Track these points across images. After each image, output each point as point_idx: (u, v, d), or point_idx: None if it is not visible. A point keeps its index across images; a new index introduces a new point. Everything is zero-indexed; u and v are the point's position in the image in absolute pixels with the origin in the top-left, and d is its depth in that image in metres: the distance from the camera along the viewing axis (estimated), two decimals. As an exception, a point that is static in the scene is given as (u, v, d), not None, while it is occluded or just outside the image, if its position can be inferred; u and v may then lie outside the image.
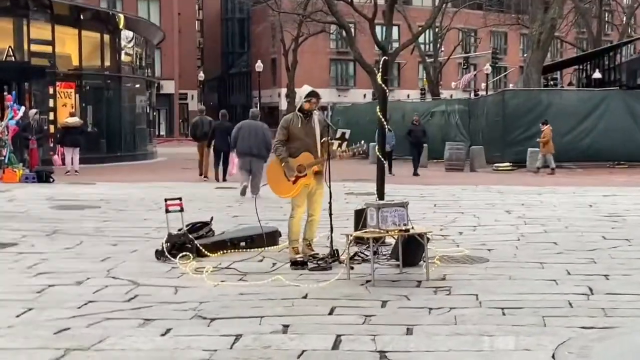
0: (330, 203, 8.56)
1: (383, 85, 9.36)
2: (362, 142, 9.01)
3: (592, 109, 28.64)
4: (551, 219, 12.54)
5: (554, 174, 24.81)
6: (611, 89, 33.06)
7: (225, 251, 9.26)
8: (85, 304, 6.76)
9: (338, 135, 8.04)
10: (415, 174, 24.26)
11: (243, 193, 16.04)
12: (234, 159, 18.53)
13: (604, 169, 27.12)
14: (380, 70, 9.37)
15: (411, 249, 8.20)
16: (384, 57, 9.82)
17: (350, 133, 10.91)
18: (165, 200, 9.28)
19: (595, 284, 7.47)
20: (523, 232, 11.13)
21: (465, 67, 69.65)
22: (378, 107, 9.59)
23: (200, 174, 22.30)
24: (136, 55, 35.91)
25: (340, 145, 8.76)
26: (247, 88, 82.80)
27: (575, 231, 11.18)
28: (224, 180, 21.01)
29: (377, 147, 9.55)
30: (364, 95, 67.59)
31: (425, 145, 26.06)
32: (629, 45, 49.54)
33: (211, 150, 21.26)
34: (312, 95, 8.85)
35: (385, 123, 9.71)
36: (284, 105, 65.26)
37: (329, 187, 8.49)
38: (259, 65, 60.97)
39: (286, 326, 5.97)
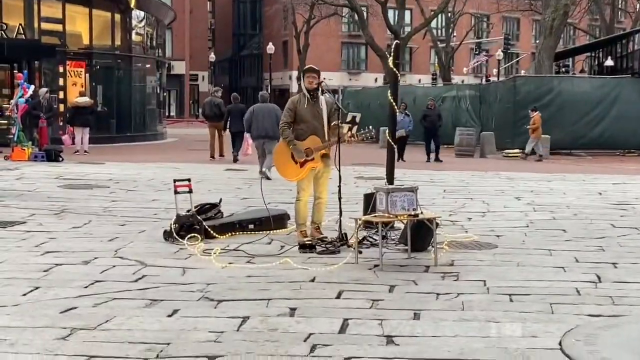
0: (339, 187, 8.54)
1: (395, 69, 9.30)
2: (370, 127, 8.97)
3: (604, 97, 28.53)
4: (560, 206, 12.50)
5: (541, 161, 24.73)
6: (624, 76, 32.85)
7: (233, 233, 9.27)
8: (92, 283, 6.77)
9: (348, 118, 7.96)
10: (437, 159, 23.77)
11: (266, 175, 16.20)
12: (248, 139, 19.00)
13: (614, 157, 27.02)
14: (392, 54, 9.31)
15: (420, 234, 8.18)
16: (396, 41, 9.76)
17: (360, 117, 10.82)
18: (174, 181, 9.27)
19: (604, 271, 7.44)
20: (532, 218, 11.10)
21: (477, 52, 69.35)
22: (389, 91, 9.53)
23: (212, 156, 22.46)
24: (147, 35, 35.84)
25: (350, 129, 8.64)
26: (258, 70, 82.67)
27: (584, 219, 11.14)
28: (236, 160, 21.46)
29: (387, 131, 9.48)
30: (375, 79, 67.34)
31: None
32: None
33: (227, 132, 21.65)
34: (309, 70, 8.80)
35: (397, 107, 9.65)
36: (294, 87, 65.18)
37: (339, 171, 8.46)
38: (270, 48, 60.91)
39: (293, 309, 5.97)
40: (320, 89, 8.74)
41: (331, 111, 8.82)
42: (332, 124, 8.68)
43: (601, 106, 28.30)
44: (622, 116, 27.88)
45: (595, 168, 21.94)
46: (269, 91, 66.01)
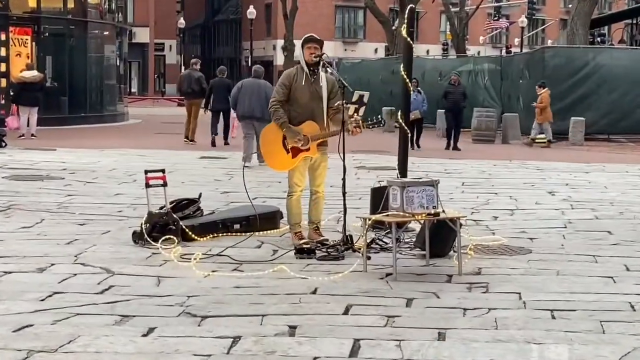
0: (343, 179, 8.49)
1: (409, 38, 9.25)
2: (380, 116, 8.89)
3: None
4: (602, 203, 12.51)
5: (550, 147, 24.76)
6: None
7: (215, 234, 9.22)
8: (50, 295, 6.70)
9: (354, 98, 7.88)
10: (456, 147, 23.54)
11: (247, 160, 16.40)
12: (235, 120, 19.19)
13: (660, 144, 27.05)
14: (406, 20, 9.26)
15: (440, 237, 8.15)
16: (410, 5, 9.71)
17: (369, 96, 10.76)
18: (146, 172, 9.19)
19: (661, 282, 7.42)
20: (570, 218, 11.09)
21: (496, 18, 69.39)
22: (402, 65, 9.47)
23: (186, 137, 22.53)
24: (105, -3, 35.67)
25: (356, 111, 8.57)
26: (236, 39, 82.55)
27: (633, 218, 11.16)
28: (226, 143, 21.86)
29: (399, 113, 9.43)
30: (375, 50, 67.42)
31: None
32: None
33: (208, 112, 21.83)
34: (310, 40, 8.74)
35: (410, 85, 9.59)
36: (280, 59, 65.10)
37: (343, 161, 8.40)
38: (251, 12, 60.79)
39: (293, 327, 5.91)
40: (321, 63, 8.66)
41: (332, 91, 8.75)
42: (336, 105, 8.60)
43: (646, 83, 28.27)
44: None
45: (638, 157, 21.97)
46: (249, 64, 66.00)
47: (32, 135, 22.93)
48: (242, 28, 77.66)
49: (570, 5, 45.62)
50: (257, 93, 16.35)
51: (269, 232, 9.51)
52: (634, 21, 52.33)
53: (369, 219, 7.98)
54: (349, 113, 8.57)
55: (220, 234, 9.27)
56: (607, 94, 27.90)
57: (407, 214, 7.60)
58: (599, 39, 51.13)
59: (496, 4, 71.43)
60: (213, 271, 7.66)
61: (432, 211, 7.66)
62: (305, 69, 8.70)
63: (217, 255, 8.34)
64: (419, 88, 23.04)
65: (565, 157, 21.17)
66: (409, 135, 10.04)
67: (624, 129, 28.32)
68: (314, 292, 6.96)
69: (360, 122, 8.72)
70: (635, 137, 28.01)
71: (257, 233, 9.35)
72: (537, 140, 26.58)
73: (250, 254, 8.49)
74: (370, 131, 9.15)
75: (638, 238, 9.61)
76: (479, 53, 61.08)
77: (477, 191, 13.84)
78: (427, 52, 65.05)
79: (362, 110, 8.13)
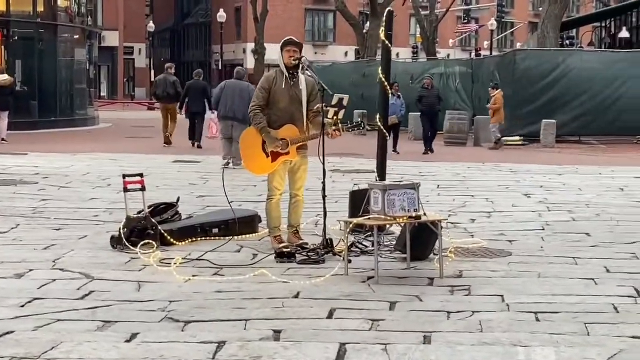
0: (323, 182, 8.47)
1: (387, 42, 9.23)
2: (360, 120, 8.89)
3: (619, 74, 28.63)
4: (579, 205, 12.55)
5: (498, 148, 24.91)
6: (641, 50, 33.12)
7: (194, 239, 9.15)
8: (30, 301, 6.62)
9: (334, 101, 7.89)
10: (427, 150, 23.33)
11: (229, 161, 16.69)
12: (211, 121, 19.38)
13: (631, 145, 27.21)
14: (384, 23, 9.24)
15: (420, 240, 8.13)
16: (389, 9, 9.69)
17: (349, 99, 10.78)
18: (124, 176, 9.11)
19: (642, 284, 7.44)
20: (547, 220, 11.11)
21: (465, 21, 69.71)
22: (380, 69, 9.45)
23: (165, 142, 22.65)
24: (74, 1, 35.43)
25: (336, 114, 8.55)
26: (206, 42, 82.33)
27: (609, 220, 11.18)
28: (199, 147, 22.11)
29: (378, 117, 9.41)
30: (346, 53, 67.43)
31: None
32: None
33: (183, 114, 22.24)
34: (289, 43, 8.70)
35: (389, 89, 9.58)
36: (250, 62, 64.88)
37: (323, 164, 8.38)
38: (220, 15, 60.58)
39: (278, 332, 5.87)
40: (300, 66, 8.63)
41: (312, 94, 8.72)
42: (315, 108, 8.57)
43: (615, 85, 28.44)
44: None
45: (611, 158, 22.12)
46: (220, 67, 65.81)
47: (2, 139, 22.73)
48: (211, 31, 77.46)
49: (539, 9, 45.89)
50: (240, 94, 16.47)
51: (247, 236, 9.45)
52: (602, 24, 52.78)
53: (350, 222, 7.94)
54: (329, 116, 8.52)
55: (199, 238, 9.20)
56: (577, 96, 28.03)
57: (388, 217, 7.58)
58: (567, 41, 51.48)
59: (465, 7, 71.78)
60: (193, 275, 7.59)
61: (414, 214, 7.65)
62: (285, 72, 8.66)
63: (196, 259, 8.27)
64: (399, 92, 22.91)
65: (538, 159, 21.26)
66: (388, 138, 10.02)
67: (595, 131, 28.46)
68: (297, 296, 6.92)
69: (340, 125, 8.70)
70: (606, 139, 28.20)
71: (235, 237, 9.29)
72: (509, 142, 26.70)
73: (230, 258, 8.43)
74: (343, 134, 9.10)
75: (616, 239, 9.64)
76: (448, 56, 61.21)
77: (452, 194, 13.84)
78: (397, 54, 65.15)
79: (341, 113, 8.12)
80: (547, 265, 8.22)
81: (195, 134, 22.46)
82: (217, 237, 9.25)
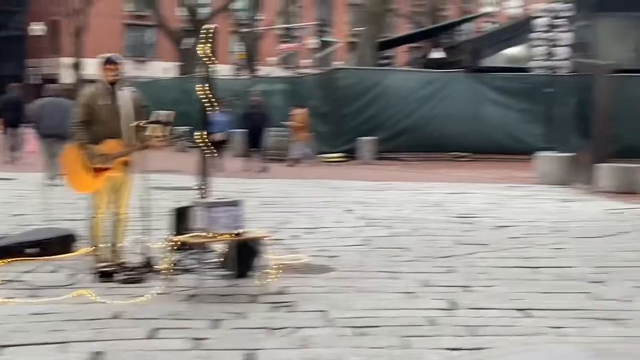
0: (145, 200, 8.35)
1: (209, 58, 9.16)
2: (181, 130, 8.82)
3: (434, 93, 29.57)
4: (397, 220, 12.82)
5: (294, 166, 25.34)
6: (455, 70, 34.21)
7: (8, 260, 8.80)
8: None
9: (154, 117, 7.77)
10: (261, 169, 23.17)
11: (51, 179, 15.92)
12: (29, 138, 19.18)
13: (445, 162, 28.05)
14: (206, 39, 9.16)
15: (243, 257, 8.11)
16: (212, 24, 9.63)
17: (174, 115, 10.68)
18: None
19: (457, 296, 7.67)
20: (367, 235, 11.31)
21: (287, 39, 70.38)
22: (202, 85, 9.34)
23: None
24: None
25: (162, 131, 8.43)
26: (21, 56, 79.63)
27: (426, 235, 11.48)
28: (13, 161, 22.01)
29: (200, 134, 9.32)
30: (166, 69, 66.74)
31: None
32: (470, 22, 51.66)
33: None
34: (108, 61, 8.59)
35: (208, 106, 9.49)
36: (68, 77, 63.36)
37: (145, 180, 8.28)
38: (35, 29, 58.84)
39: (98, 353, 5.73)
40: (120, 82, 8.49)
41: (133, 109, 8.60)
42: (138, 123, 8.45)
43: (430, 104, 29.36)
44: (454, 115, 29.00)
45: (427, 175, 22.71)
46: (37, 82, 63.89)
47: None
48: (27, 45, 75.07)
49: (357, 29, 46.84)
50: (60, 111, 16.06)
51: (65, 255, 9.19)
52: (417, 45, 54.33)
53: (173, 240, 7.84)
54: (156, 133, 8.40)
55: (13, 259, 8.87)
56: (395, 114, 28.73)
57: (211, 235, 7.53)
58: (385, 61, 52.74)
59: (286, 26, 72.46)
60: (8, 298, 7.32)
61: (237, 231, 7.64)
62: (105, 88, 8.51)
63: (10, 281, 7.97)
64: (227, 109, 22.69)
65: (358, 176, 21.62)
66: (214, 155, 9.94)
67: (411, 148, 29.18)
68: (117, 317, 6.78)
69: (165, 134, 8.61)
70: (422, 155, 28.97)
71: (52, 257, 9.01)
72: (331, 159, 27.07)
73: (46, 278, 8.19)
74: (162, 151, 9.01)
75: (433, 254, 9.91)
76: (269, 74, 61.63)
77: (276, 210, 13.91)
78: (218, 72, 65.06)
79: (167, 130, 8.05)
80: (368, 280, 8.37)
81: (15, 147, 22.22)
82: (33, 258, 8.95)
